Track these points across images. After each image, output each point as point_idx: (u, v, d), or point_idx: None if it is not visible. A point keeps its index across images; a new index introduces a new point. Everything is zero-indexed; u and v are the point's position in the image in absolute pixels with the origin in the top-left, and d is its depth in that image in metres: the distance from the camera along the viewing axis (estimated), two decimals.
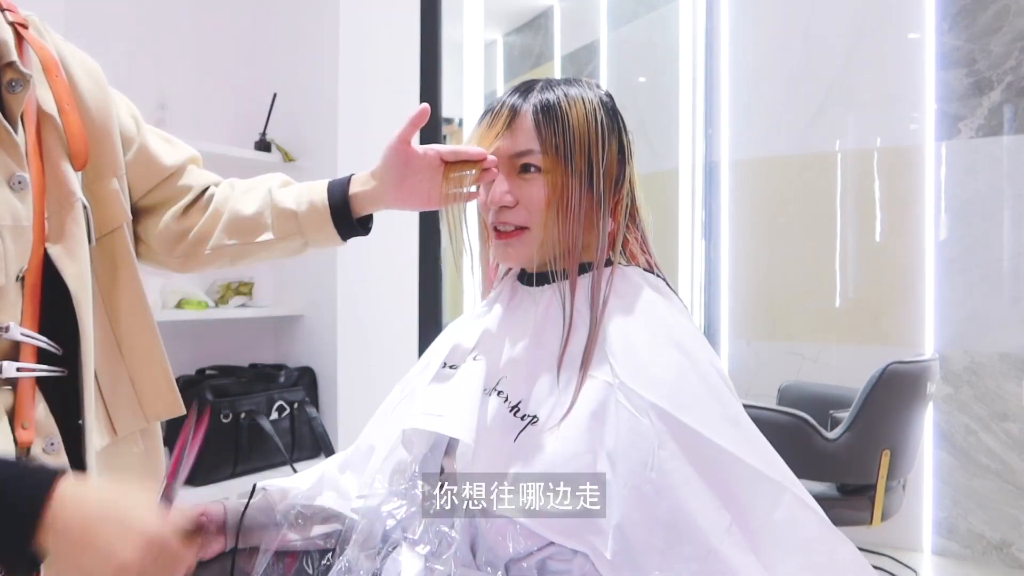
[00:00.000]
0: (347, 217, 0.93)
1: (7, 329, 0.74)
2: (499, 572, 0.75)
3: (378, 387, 1.01)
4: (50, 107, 0.82)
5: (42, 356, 0.78)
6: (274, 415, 1.80)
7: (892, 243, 2.74)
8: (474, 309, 0.95)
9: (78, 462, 0.80)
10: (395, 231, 2.02)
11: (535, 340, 0.81)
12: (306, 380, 1.92)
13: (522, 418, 0.77)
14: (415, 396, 0.87)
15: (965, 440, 2.58)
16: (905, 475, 1.96)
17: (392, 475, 0.84)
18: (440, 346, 0.95)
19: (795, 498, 0.70)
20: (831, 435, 1.82)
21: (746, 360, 3.03)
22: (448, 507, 0.79)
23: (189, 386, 1.71)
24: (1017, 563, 2.49)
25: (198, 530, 0.64)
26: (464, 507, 0.76)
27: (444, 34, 2.18)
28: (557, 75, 3.83)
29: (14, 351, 0.75)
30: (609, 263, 0.83)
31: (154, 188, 0.97)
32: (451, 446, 0.83)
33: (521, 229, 0.83)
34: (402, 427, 0.85)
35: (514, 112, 0.83)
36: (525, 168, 0.82)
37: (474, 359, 0.84)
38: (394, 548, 0.80)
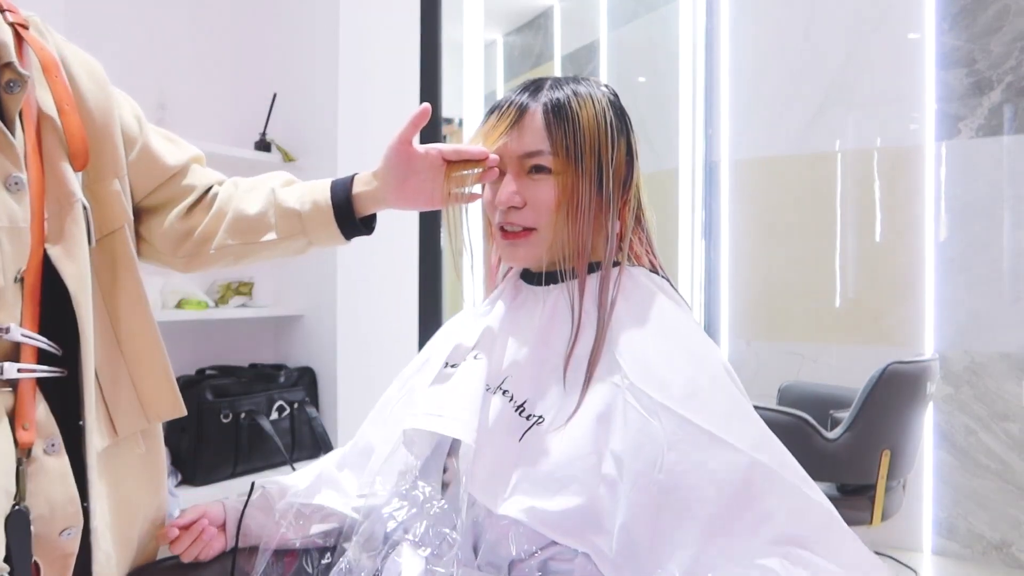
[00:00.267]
0: (350, 217, 0.93)
1: (7, 330, 0.74)
2: (502, 572, 0.75)
3: (378, 387, 1.01)
4: (50, 108, 0.81)
5: (42, 357, 0.78)
6: (274, 415, 1.80)
7: (892, 243, 2.74)
8: (475, 307, 0.94)
9: (79, 463, 0.80)
10: (395, 231, 2.02)
11: (541, 340, 0.81)
12: (306, 380, 1.92)
13: (527, 418, 0.77)
14: (415, 395, 0.87)
15: (965, 440, 2.58)
16: (905, 475, 1.96)
17: (397, 477, 0.84)
18: (440, 344, 0.95)
19: (805, 497, 0.69)
20: (831, 435, 1.82)
21: (746, 360, 3.03)
22: (449, 508, 0.78)
23: (189, 386, 1.71)
24: (1017, 563, 2.49)
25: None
26: (466, 508, 0.76)
27: (444, 34, 2.18)
28: (557, 75, 3.82)
29: (14, 352, 0.76)
30: (616, 264, 0.83)
31: (157, 188, 0.97)
32: (454, 446, 0.83)
33: (528, 230, 0.82)
34: (403, 427, 0.85)
35: (522, 111, 0.82)
36: (534, 169, 0.81)
37: (475, 358, 0.84)
38: (395, 549, 0.80)
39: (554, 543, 0.73)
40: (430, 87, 2.12)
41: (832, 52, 2.82)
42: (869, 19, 2.75)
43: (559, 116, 0.80)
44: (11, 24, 0.79)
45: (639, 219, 0.88)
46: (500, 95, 0.87)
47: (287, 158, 1.99)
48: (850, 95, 2.79)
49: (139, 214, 0.98)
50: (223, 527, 0.96)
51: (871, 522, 1.85)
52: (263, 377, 1.84)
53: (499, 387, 0.80)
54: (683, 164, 3.13)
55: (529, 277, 0.89)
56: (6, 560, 0.73)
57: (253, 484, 0.98)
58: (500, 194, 0.82)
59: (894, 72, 2.71)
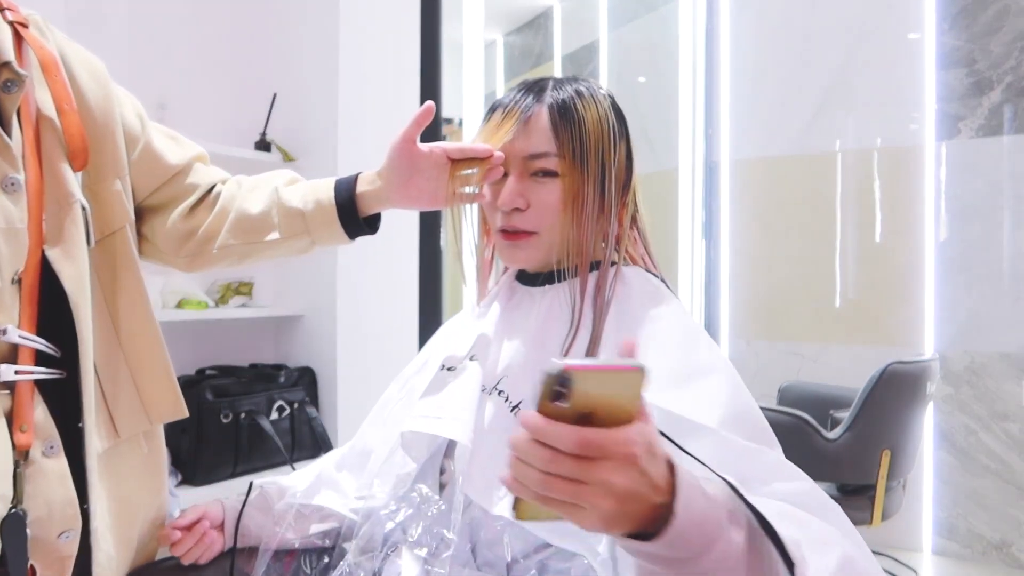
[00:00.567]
0: (354, 216, 0.92)
1: (4, 332, 0.74)
2: (500, 572, 0.75)
3: (378, 387, 1.01)
4: (49, 108, 0.81)
5: (41, 358, 0.78)
6: (274, 415, 1.80)
7: (892, 243, 2.74)
8: (472, 309, 0.94)
9: (78, 465, 0.80)
10: (395, 231, 2.02)
11: (537, 340, 0.81)
12: (306, 380, 1.92)
13: None
14: (413, 398, 0.87)
15: (965, 440, 2.58)
16: (905, 475, 1.95)
17: (395, 479, 0.84)
18: (437, 346, 0.94)
19: (783, 465, 0.67)
20: (831, 435, 1.82)
21: (746, 360, 3.03)
22: (447, 509, 0.78)
23: (189, 386, 1.70)
24: (1017, 563, 2.49)
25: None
26: (462, 509, 0.76)
27: (444, 34, 2.18)
28: (557, 75, 3.82)
29: (12, 354, 0.75)
30: (613, 264, 0.83)
31: (160, 187, 0.97)
32: (451, 447, 0.83)
33: (529, 233, 0.82)
34: (400, 430, 0.85)
35: (527, 111, 0.81)
36: (539, 172, 0.80)
37: (471, 359, 0.83)
38: (393, 550, 0.80)
39: (548, 543, 0.72)
40: (430, 87, 2.11)
41: (832, 52, 2.82)
42: (869, 19, 2.75)
43: (565, 117, 0.80)
44: (10, 23, 0.79)
45: (635, 221, 0.88)
46: (500, 95, 0.87)
47: (287, 158, 1.98)
48: (850, 95, 2.79)
49: (141, 213, 0.98)
50: (221, 527, 0.96)
51: (871, 522, 1.85)
52: (263, 377, 1.84)
53: (495, 388, 0.80)
54: (683, 164, 3.13)
55: (524, 278, 0.89)
56: (1, 563, 0.72)
57: (251, 484, 0.98)
58: (503, 195, 0.81)
59: (894, 72, 2.71)
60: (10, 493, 0.73)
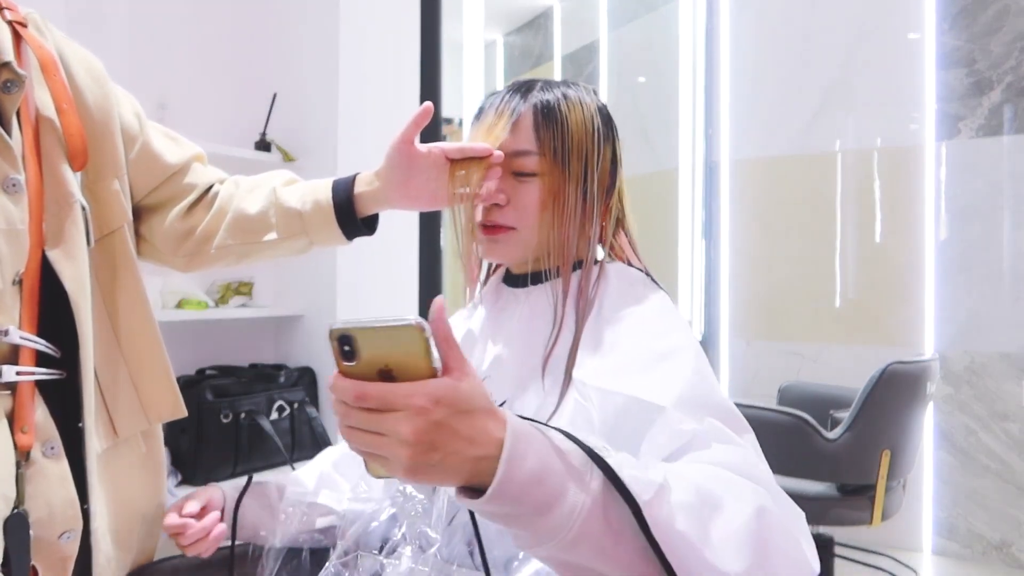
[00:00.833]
0: (352, 217, 0.92)
1: (6, 333, 0.74)
2: (498, 570, 0.75)
3: None
4: (48, 108, 0.81)
5: (41, 359, 0.78)
6: (274, 415, 1.80)
7: (892, 243, 2.74)
8: (460, 312, 0.95)
9: (78, 465, 0.80)
10: (395, 231, 2.02)
11: (522, 340, 0.81)
12: (306, 380, 1.92)
13: None
14: None
15: (965, 440, 2.58)
16: (905, 475, 1.96)
17: (385, 481, 0.84)
18: None
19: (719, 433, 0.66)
20: (831, 435, 1.82)
21: (746, 360, 3.03)
22: (431, 508, 0.78)
23: (189, 386, 1.70)
24: (1017, 563, 2.49)
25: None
26: (446, 507, 0.76)
27: (444, 34, 2.18)
28: (557, 75, 3.83)
29: (13, 355, 0.75)
30: (596, 263, 0.83)
31: (158, 186, 0.97)
32: None
33: (508, 228, 0.82)
34: None
35: (515, 111, 0.82)
36: (520, 170, 0.81)
37: None
38: (380, 550, 0.81)
39: None
40: (430, 87, 2.11)
41: (832, 52, 2.82)
42: (869, 19, 2.75)
43: (548, 117, 0.81)
44: (9, 22, 0.79)
45: (622, 224, 0.88)
46: (495, 92, 0.87)
47: (287, 158, 1.98)
48: (850, 95, 2.79)
49: (139, 213, 0.98)
50: (222, 513, 0.94)
51: (871, 522, 1.85)
52: (263, 377, 1.84)
53: None
54: (683, 164, 3.13)
55: (510, 280, 0.89)
56: (4, 564, 0.72)
57: (250, 477, 0.97)
58: (483, 191, 0.82)
59: (894, 72, 2.71)
60: (13, 494, 0.73)
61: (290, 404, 1.83)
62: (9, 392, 0.75)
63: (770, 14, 2.99)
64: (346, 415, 0.51)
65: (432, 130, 2.12)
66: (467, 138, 0.87)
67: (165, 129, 1.00)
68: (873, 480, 1.83)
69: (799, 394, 2.37)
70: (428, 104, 0.86)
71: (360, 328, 0.48)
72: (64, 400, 0.79)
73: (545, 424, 0.56)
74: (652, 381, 0.69)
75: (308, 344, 1.99)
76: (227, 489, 0.96)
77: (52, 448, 0.77)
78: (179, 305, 1.79)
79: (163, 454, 0.98)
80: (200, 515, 0.91)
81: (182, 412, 0.95)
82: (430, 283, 2.13)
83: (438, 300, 0.51)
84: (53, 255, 0.78)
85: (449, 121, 3.11)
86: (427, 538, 0.76)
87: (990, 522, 2.54)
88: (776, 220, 2.98)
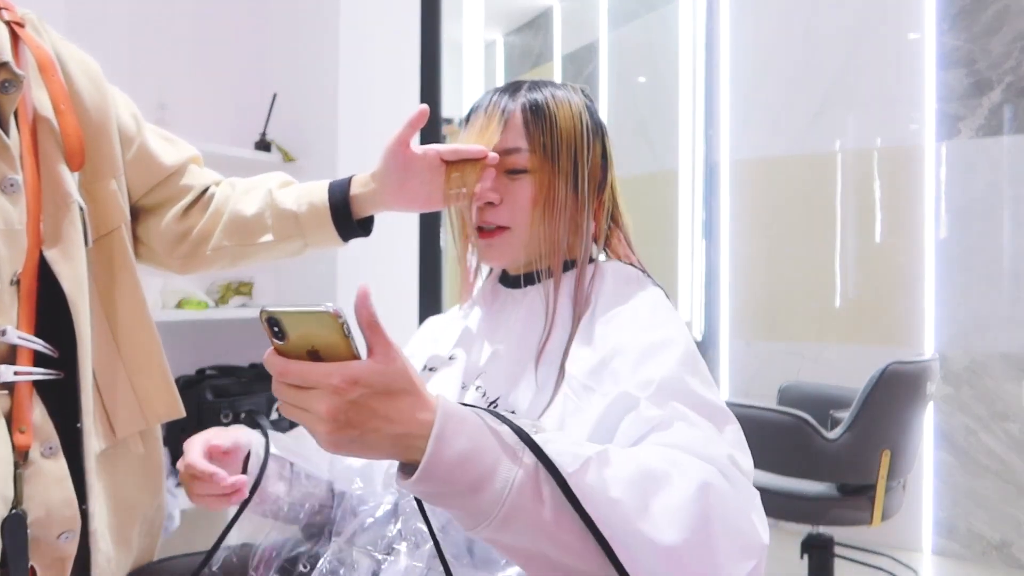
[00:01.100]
0: (348, 219, 0.93)
1: (3, 333, 0.74)
2: (496, 567, 0.75)
3: None
4: (45, 108, 0.81)
5: (39, 359, 0.78)
6: (274, 415, 1.80)
7: (892, 243, 2.74)
8: (456, 311, 0.95)
9: (77, 465, 0.80)
10: (395, 231, 2.02)
11: (517, 339, 0.81)
12: None
13: None
14: None
15: (965, 440, 2.58)
16: (905, 475, 1.95)
17: (385, 477, 0.84)
18: (419, 347, 0.95)
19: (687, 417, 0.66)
20: (831, 435, 1.82)
21: (746, 360, 3.03)
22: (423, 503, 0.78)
23: (189, 386, 1.70)
24: (1017, 563, 2.49)
25: None
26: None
27: (444, 34, 2.18)
28: (557, 75, 3.83)
29: (10, 355, 0.75)
30: (591, 261, 0.84)
31: (154, 188, 0.97)
32: None
33: (503, 229, 0.83)
34: None
35: (505, 111, 0.83)
36: (512, 168, 0.82)
37: (450, 359, 0.85)
38: (375, 546, 0.80)
39: None
40: (430, 87, 2.11)
41: (832, 52, 2.82)
42: (869, 19, 2.75)
43: (537, 115, 0.82)
44: (7, 22, 0.79)
45: (616, 220, 0.89)
46: (485, 94, 0.88)
47: (287, 158, 1.98)
48: (850, 95, 2.79)
49: (136, 214, 0.98)
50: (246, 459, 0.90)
51: (871, 522, 1.85)
52: (263, 377, 1.84)
53: (473, 383, 0.81)
54: (683, 164, 3.13)
55: (506, 280, 0.90)
56: (2, 564, 0.72)
57: (267, 443, 0.91)
58: (477, 191, 0.83)
59: (894, 72, 2.71)
60: (11, 494, 0.73)
61: None
62: (7, 392, 0.75)
63: (770, 14, 2.99)
64: (277, 390, 0.54)
65: (432, 130, 2.12)
66: (462, 139, 0.87)
67: (162, 131, 1.00)
68: (873, 480, 1.83)
69: (799, 394, 2.37)
70: (424, 106, 0.87)
71: (284, 312, 0.51)
72: (62, 400, 0.79)
73: (485, 409, 0.58)
74: (638, 374, 0.69)
75: None
76: (254, 440, 0.90)
77: (50, 448, 0.77)
78: (179, 305, 1.79)
79: (162, 454, 0.98)
80: (224, 457, 0.87)
81: (180, 412, 0.95)
82: (430, 284, 2.13)
83: (361, 288, 0.53)
84: (51, 255, 0.78)
85: (449, 121, 3.10)
86: (422, 534, 0.76)
87: (990, 522, 2.54)
88: (776, 220, 2.98)
